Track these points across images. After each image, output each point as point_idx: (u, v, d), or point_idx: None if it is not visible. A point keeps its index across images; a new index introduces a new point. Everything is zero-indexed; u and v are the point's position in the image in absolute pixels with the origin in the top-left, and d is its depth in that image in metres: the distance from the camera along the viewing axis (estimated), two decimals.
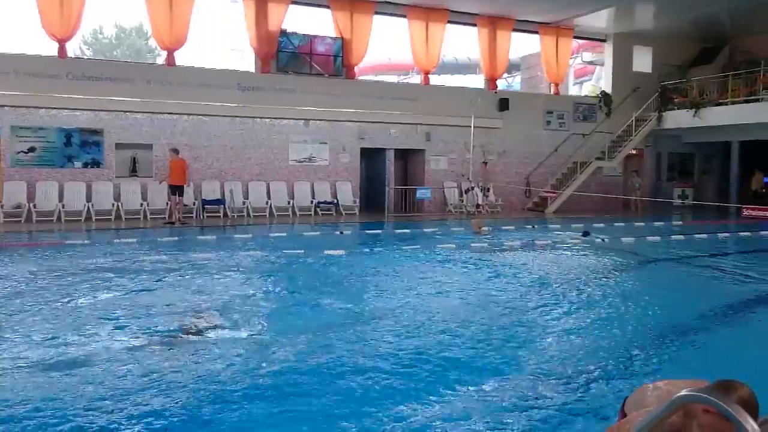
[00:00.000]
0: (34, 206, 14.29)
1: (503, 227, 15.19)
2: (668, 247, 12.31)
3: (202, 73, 16.41)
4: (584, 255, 10.84)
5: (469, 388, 4.22)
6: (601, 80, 23.86)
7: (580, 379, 4.42)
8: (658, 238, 13.29)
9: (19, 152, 14.58)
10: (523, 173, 20.30)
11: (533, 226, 15.53)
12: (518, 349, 5.16)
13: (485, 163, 18.66)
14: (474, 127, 17.80)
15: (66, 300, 6.78)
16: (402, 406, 3.85)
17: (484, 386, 4.26)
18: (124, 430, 3.48)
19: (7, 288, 7.39)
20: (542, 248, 11.57)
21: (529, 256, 10.67)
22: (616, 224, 15.96)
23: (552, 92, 21.32)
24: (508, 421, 3.65)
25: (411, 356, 4.85)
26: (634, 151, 21.36)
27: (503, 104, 19.58)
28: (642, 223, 16.45)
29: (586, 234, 13.19)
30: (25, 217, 14.16)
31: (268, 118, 16.94)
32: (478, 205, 18.82)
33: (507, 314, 6.38)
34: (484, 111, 18.86)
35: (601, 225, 15.26)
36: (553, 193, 19.55)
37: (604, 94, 21.58)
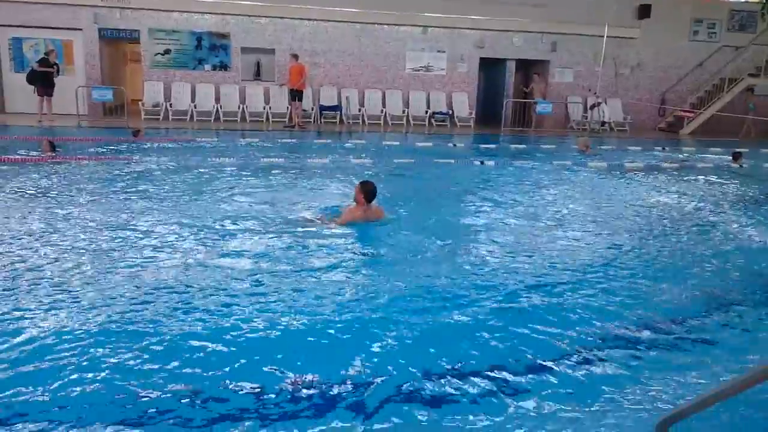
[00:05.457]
0: (170, 105, 15.42)
1: (629, 147, 14.16)
2: None
3: None
4: (721, 181, 9.88)
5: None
6: None
7: None
8: None
9: (156, 54, 15.62)
10: (659, 90, 18.49)
11: (663, 148, 14.31)
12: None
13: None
14: (607, 36, 16.27)
15: (203, 192, 7.41)
16: None
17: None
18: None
19: (152, 178, 8.20)
20: (674, 172, 10.69)
21: (658, 180, 9.92)
22: (762, 150, 14.27)
23: None
24: None
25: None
26: None
27: (643, 11, 17.59)
28: None
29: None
30: (162, 115, 15.36)
31: (386, 24, 16.59)
32: (603, 122, 17.58)
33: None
34: (620, 19, 17.11)
35: (744, 150, 13.70)
36: (692, 112, 17.70)
37: None
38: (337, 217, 5.89)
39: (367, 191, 5.75)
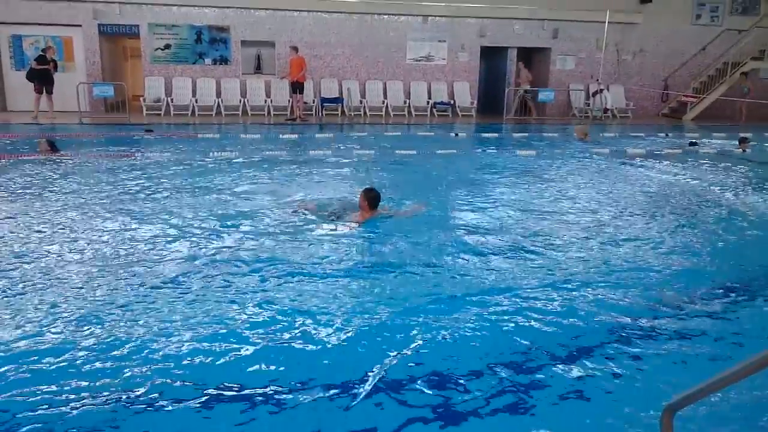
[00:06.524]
0: (172, 100, 15.40)
1: (631, 134, 14.10)
2: None
3: None
4: (726, 165, 9.83)
5: None
6: None
7: None
8: None
9: (156, 49, 15.58)
10: (661, 75, 18.37)
11: (666, 134, 14.24)
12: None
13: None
14: (609, 22, 16.16)
15: (206, 187, 7.42)
16: None
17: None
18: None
19: (156, 172, 8.22)
20: (678, 159, 10.64)
21: (660, 166, 9.87)
22: (766, 134, 14.20)
23: None
24: None
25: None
26: None
27: None
28: None
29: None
30: (164, 110, 15.34)
31: (386, 14, 16.51)
32: (605, 110, 17.51)
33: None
34: (623, 4, 16.99)
35: (749, 134, 13.63)
36: (695, 97, 17.60)
37: None
38: (352, 222, 5.86)
39: (371, 198, 5.83)
